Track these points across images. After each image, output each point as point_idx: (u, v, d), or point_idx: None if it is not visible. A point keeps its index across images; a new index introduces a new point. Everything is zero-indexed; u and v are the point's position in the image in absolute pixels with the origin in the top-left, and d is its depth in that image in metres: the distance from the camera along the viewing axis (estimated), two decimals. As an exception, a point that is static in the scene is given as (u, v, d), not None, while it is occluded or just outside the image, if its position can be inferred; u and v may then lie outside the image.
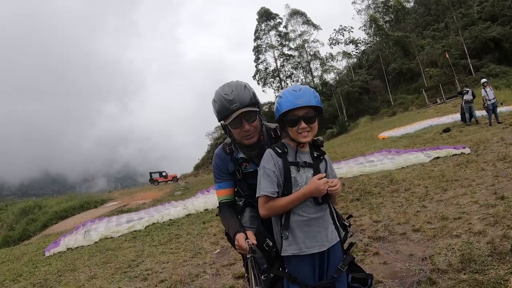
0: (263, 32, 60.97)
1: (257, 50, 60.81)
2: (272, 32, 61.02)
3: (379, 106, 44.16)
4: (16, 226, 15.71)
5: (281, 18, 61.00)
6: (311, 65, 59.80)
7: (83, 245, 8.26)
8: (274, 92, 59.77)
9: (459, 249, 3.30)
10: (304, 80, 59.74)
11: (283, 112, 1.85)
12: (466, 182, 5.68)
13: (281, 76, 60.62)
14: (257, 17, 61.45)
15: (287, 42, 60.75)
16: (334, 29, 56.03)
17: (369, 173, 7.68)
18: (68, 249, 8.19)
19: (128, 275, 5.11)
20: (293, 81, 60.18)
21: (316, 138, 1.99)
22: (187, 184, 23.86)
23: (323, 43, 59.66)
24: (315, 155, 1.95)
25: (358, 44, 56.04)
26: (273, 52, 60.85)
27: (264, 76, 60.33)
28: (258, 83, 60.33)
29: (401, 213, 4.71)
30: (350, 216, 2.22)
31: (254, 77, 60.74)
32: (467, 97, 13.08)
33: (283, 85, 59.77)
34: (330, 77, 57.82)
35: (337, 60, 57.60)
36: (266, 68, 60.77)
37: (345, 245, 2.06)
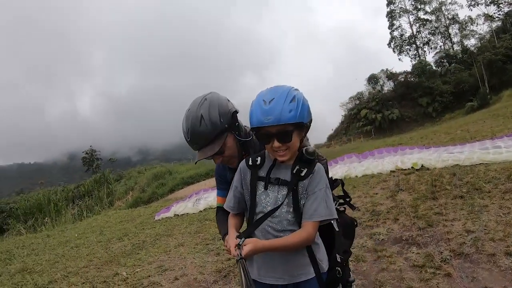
0: (396, -4, 55.52)
1: (391, 15, 55.96)
2: (406, -5, 54.99)
3: (526, 77, 36.36)
4: (147, 189, 18.28)
5: (414, -22, 54.21)
6: (450, 30, 52.10)
7: (189, 212, 8.84)
8: (411, 61, 54.65)
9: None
10: (443, 46, 52.87)
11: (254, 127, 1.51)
12: None
13: (418, 43, 54.89)
14: (389, -21, 56.01)
15: (422, 6, 54.04)
16: (473, -12, 47.41)
17: (490, 162, 6.31)
18: (175, 215, 8.95)
19: (207, 248, 5.39)
20: (431, 48, 54.08)
21: (305, 149, 1.57)
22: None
23: (462, 5, 51.07)
24: (295, 171, 1.55)
25: (501, 5, 46.40)
26: (408, 17, 55.35)
27: (399, 44, 55.63)
28: (394, 51, 56.41)
29: (503, 224, 3.67)
30: (346, 251, 1.74)
31: (389, 44, 56.71)
32: None
33: (419, 53, 54.35)
34: (470, 43, 49.39)
35: (477, 24, 49.10)
36: (401, 35, 55.90)
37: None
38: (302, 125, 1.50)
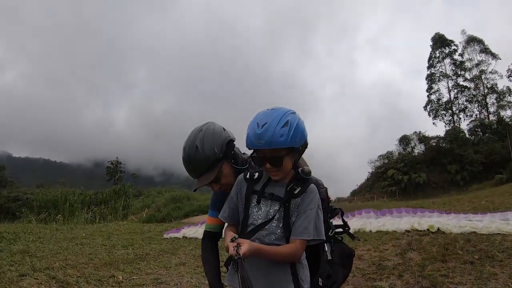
0: (437, 60, 56.20)
1: (430, 79, 56.19)
2: (447, 60, 55.67)
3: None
4: (163, 210, 18.48)
5: (456, 45, 55.01)
6: (487, 100, 51.48)
7: (198, 237, 8.79)
8: (445, 126, 53.80)
9: None
10: (478, 115, 52.12)
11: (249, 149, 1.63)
12: None
13: (454, 109, 54.28)
14: (431, 43, 56.91)
15: (462, 72, 54.14)
16: (513, 59, 46.97)
17: (508, 233, 6.11)
18: (183, 237, 9.03)
19: (207, 272, 5.34)
20: (466, 116, 53.28)
21: (301, 169, 1.65)
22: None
23: (502, 75, 49.92)
24: (289, 188, 1.61)
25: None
26: (447, 82, 55.25)
27: (435, 108, 55.17)
28: (429, 115, 55.70)
29: (508, 293, 3.54)
30: (329, 276, 1.72)
31: (425, 107, 56.36)
32: None
33: (454, 119, 53.56)
34: (507, 114, 48.45)
35: (515, 95, 48.12)
36: (438, 99, 55.52)
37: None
38: (294, 149, 1.59)
